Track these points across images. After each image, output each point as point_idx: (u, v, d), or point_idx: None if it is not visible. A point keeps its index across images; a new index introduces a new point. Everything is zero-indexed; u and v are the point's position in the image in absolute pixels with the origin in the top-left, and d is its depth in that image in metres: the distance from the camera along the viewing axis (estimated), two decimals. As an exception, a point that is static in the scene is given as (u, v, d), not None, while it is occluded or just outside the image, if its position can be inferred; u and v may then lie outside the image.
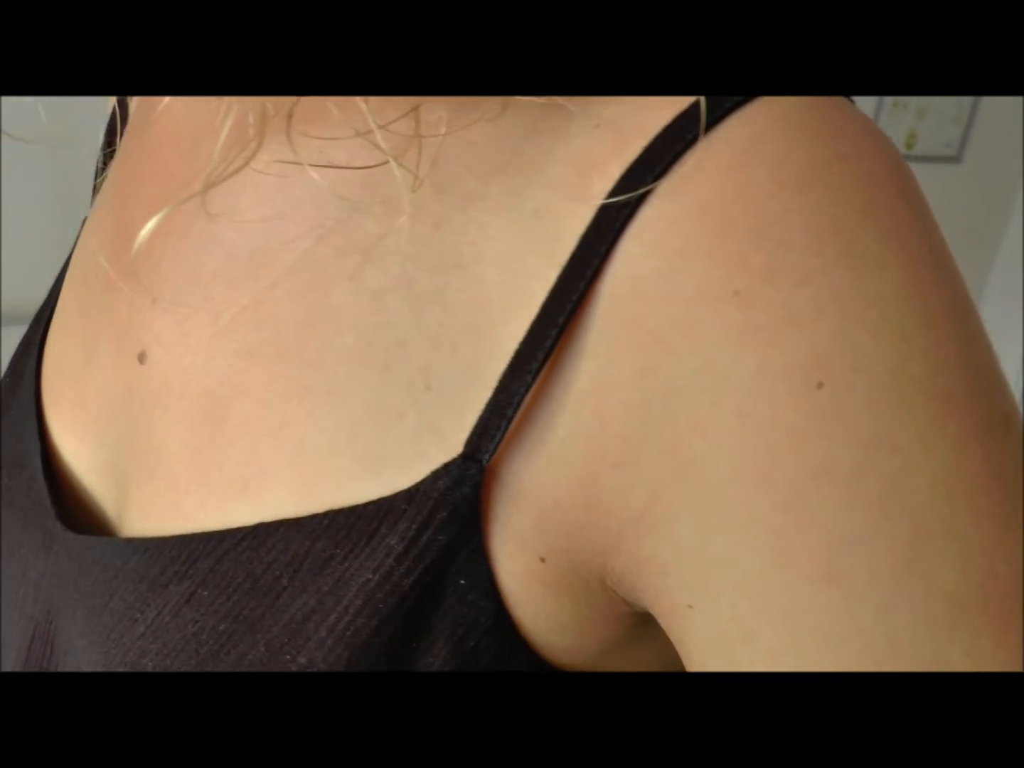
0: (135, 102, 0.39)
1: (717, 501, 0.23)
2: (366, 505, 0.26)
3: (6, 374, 0.40)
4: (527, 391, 0.24)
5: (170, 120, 0.33)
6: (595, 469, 0.24)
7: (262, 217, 0.29)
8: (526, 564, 0.25)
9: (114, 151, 0.41)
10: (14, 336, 0.42)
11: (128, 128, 0.38)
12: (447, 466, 0.25)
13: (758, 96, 0.23)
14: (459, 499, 0.25)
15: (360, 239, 0.27)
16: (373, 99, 0.25)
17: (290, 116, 0.25)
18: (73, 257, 0.40)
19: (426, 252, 0.26)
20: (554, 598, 0.26)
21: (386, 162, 0.25)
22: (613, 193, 0.23)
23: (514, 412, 0.24)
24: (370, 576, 0.25)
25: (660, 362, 0.23)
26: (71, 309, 0.37)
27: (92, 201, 0.43)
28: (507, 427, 0.24)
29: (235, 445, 0.28)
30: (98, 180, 0.43)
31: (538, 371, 0.24)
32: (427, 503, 0.25)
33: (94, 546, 0.31)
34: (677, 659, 0.30)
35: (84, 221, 0.43)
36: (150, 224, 0.27)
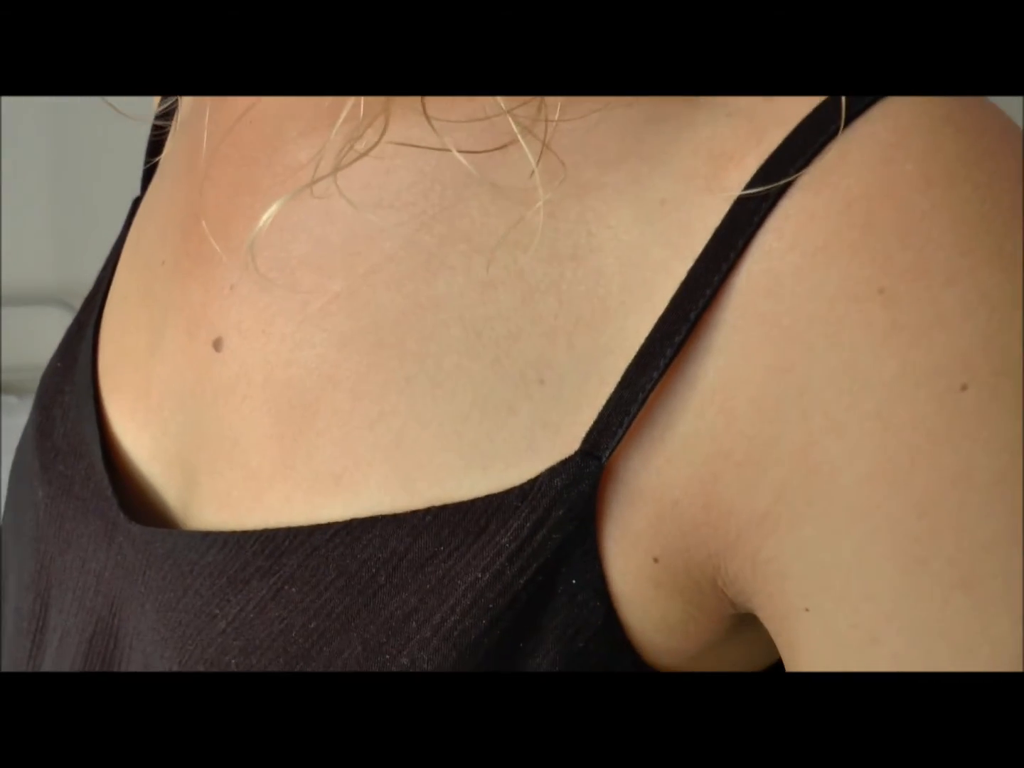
0: None
1: (847, 504, 0.22)
2: (473, 501, 0.25)
3: (56, 358, 0.39)
4: (653, 387, 0.23)
5: (249, 100, 0.32)
6: (718, 468, 0.24)
7: (359, 203, 0.28)
8: (639, 564, 0.25)
9: (162, 132, 0.40)
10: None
11: (189, 108, 0.37)
12: (565, 462, 0.24)
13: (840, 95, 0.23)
14: (576, 497, 0.24)
15: (466, 228, 0.26)
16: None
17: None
18: (129, 241, 0.38)
19: (538, 243, 0.25)
20: (665, 599, 0.25)
21: (505, 146, 0.24)
22: (751, 185, 0.23)
23: (638, 409, 0.24)
24: (479, 575, 0.24)
25: (796, 360, 0.22)
26: (131, 294, 0.36)
27: (143, 183, 0.42)
28: (629, 424, 0.24)
29: (325, 437, 0.27)
30: (149, 163, 0.42)
31: (666, 367, 0.23)
32: (542, 500, 0.24)
33: (164, 538, 0.30)
34: (761, 660, 0.30)
35: (135, 203, 0.42)
36: (273, 208, 0.26)
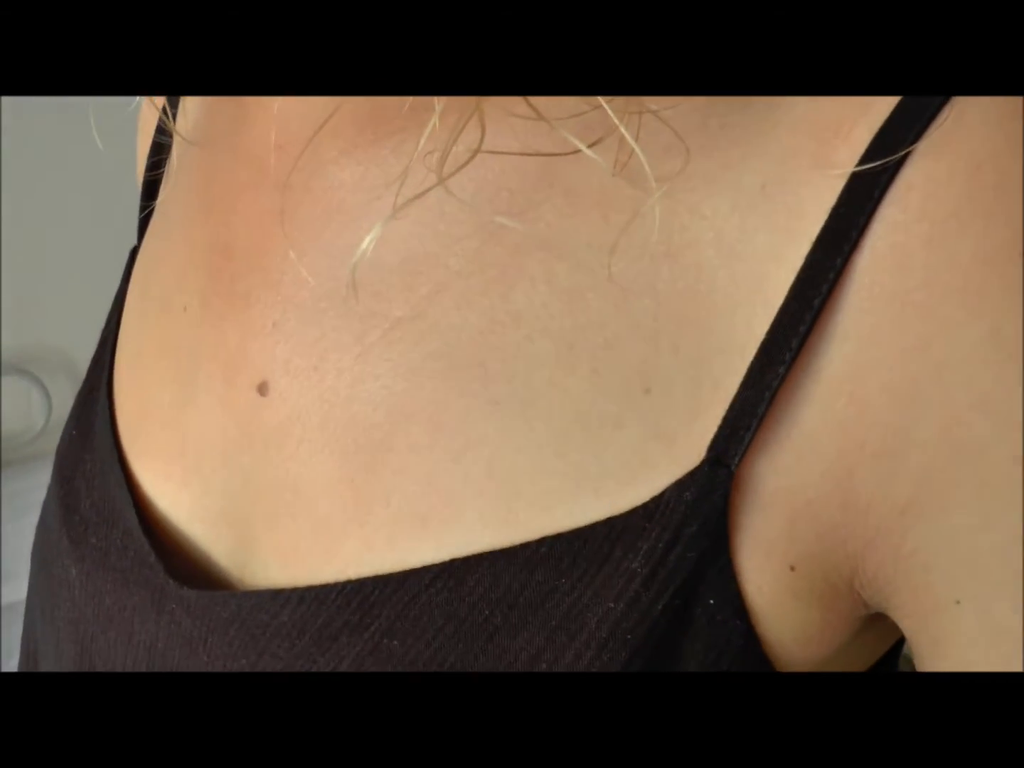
0: (191, 119, 0.35)
1: (999, 485, 0.21)
2: (592, 527, 0.23)
3: (69, 426, 0.36)
4: (780, 384, 0.22)
5: (268, 127, 0.29)
6: (852, 462, 0.22)
7: (414, 219, 0.26)
8: (775, 575, 0.23)
9: (157, 174, 0.38)
10: None
11: (185, 147, 0.35)
12: (693, 474, 0.22)
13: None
14: (708, 510, 0.22)
15: (542, 234, 0.24)
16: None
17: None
18: (134, 292, 0.36)
19: (626, 244, 0.24)
20: (803, 608, 0.23)
21: (596, 142, 0.22)
22: (865, 158, 0.21)
23: (766, 409, 0.22)
24: (611, 605, 0.23)
25: (932, 337, 0.21)
26: (146, 348, 0.33)
27: (139, 232, 0.40)
28: (758, 426, 0.22)
29: (404, 475, 0.25)
30: (145, 208, 0.39)
31: (792, 361, 0.22)
32: (672, 517, 0.22)
33: (225, 601, 0.28)
34: (866, 660, 0.28)
35: (133, 253, 0.39)
36: (374, 231, 0.24)
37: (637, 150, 0.21)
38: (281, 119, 0.29)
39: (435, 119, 0.21)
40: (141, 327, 0.34)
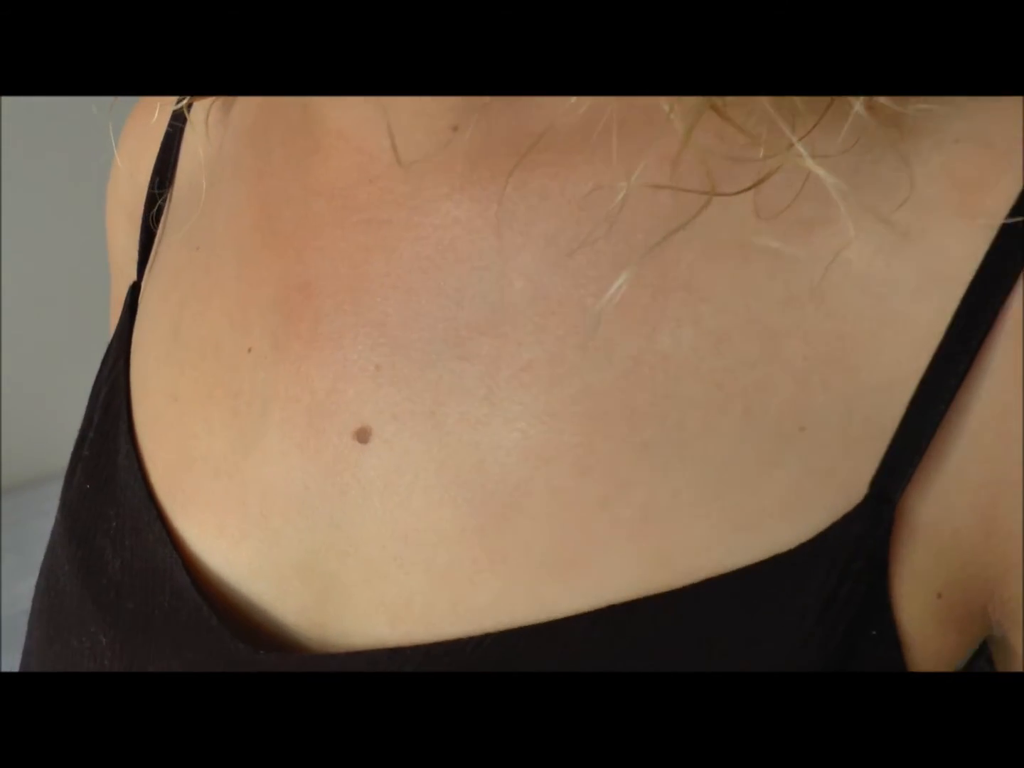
0: (230, 152, 0.33)
1: None
2: (756, 566, 0.23)
3: (80, 478, 0.33)
4: (941, 419, 0.23)
5: (349, 159, 0.28)
6: (995, 492, 0.23)
7: (541, 258, 0.25)
8: (924, 603, 0.24)
9: (161, 200, 0.35)
10: None
11: (218, 179, 0.32)
12: (858, 509, 0.23)
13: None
14: (874, 544, 0.23)
15: (682, 276, 0.24)
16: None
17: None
18: (154, 331, 0.33)
19: (770, 286, 0.24)
20: (942, 634, 0.24)
21: (758, 182, 0.23)
22: (1015, 210, 0.23)
23: (927, 443, 0.23)
24: (785, 643, 0.23)
25: None
26: (186, 393, 0.31)
27: (139, 267, 0.36)
28: (919, 460, 0.23)
29: (545, 521, 0.25)
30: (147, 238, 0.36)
31: (951, 399, 0.23)
32: (840, 553, 0.23)
33: (324, 664, 0.26)
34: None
35: (134, 289, 0.36)
36: (623, 276, 0.23)
37: (833, 190, 0.22)
38: (369, 151, 0.27)
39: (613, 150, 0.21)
40: (175, 370, 0.31)
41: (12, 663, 0.40)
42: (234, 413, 0.29)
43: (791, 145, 0.22)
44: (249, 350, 0.29)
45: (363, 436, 0.27)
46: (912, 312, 0.23)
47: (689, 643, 0.23)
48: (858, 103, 0.22)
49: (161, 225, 0.36)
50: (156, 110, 0.37)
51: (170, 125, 0.36)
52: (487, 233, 0.26)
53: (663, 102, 0.23)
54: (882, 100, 0.22)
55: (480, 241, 0.26)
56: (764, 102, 0.22)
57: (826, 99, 0.22)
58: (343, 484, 0.27)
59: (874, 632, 0.23)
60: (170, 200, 0.36)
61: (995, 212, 0.23)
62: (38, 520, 1.09)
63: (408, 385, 0.26)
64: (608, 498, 0.24)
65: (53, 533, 0.33)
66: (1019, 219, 0.22)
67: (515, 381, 0.25)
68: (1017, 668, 0.25)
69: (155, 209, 0.36)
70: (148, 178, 0.37)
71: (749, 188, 0.23)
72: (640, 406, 0.24)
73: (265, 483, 0.28)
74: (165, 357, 0.32)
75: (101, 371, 0.35)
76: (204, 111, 0.34)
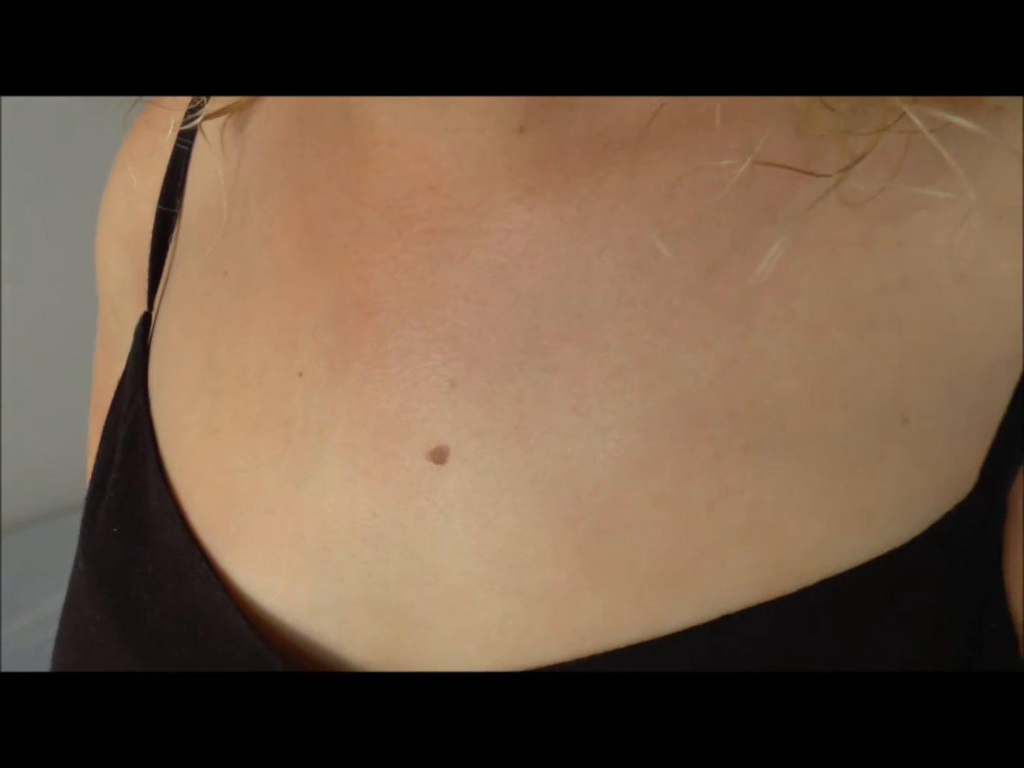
0: (250, 170, 0.31)
1: None
2: (871, 564, 0.22)
3: (105, 523, 0.30)
4: None
5: (405, 169, 0.26)
6: None
7: (623, 260, 0.24)
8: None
9: (170, 217, 0.34)
10: None
11: (244, 201, 0.31)
12: (971, 498, 0.23)
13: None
14: (990, 534, 0.22)
15: (773, 271, 0.24)
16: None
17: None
18: (179, 363, 0.31)
19: (860, 275, 0.24)
20: None
21: (856, 161, 0.22)
22: None
23: None
24: (909, 642, 0.22)
25: None
26: (224, 424, 0.29)
27: (149, 295, 0.34)
28: None
29: (648, 533, 0.23)
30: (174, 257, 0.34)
31: None
32: (959, 545, 0.22)
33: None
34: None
35: (145, 318, 0.34)
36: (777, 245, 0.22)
37: (952, 164, 0.22)
38: (428, 158, 0.26)
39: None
40: (212, 401, 0.29)
41: None
42: (285, 442, 0.27)
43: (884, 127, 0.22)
44: (300, 374, 0.27)
45: (439, 456, 0.25)
46: (1008, 295, 0.23)
47: (806, 649, 0.22)
48: None
49: (170, 252, 0.34)
50: (161, 130, 0.35)
51: (177, 146, 0.34)
52: (563, 237, 0.25)
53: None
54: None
55: (557, 245, 0.25)
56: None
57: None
58: (418, 509, 0.25)
59: (994, 625, 0.23)
60: (179, 225, 0.34)
61: None
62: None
63: (488, 400, 0.25)
64: (714, 504, 0.23)
65: (74, 583, 0.31)
66: None
67: (605, 389, 0.24)
68: None
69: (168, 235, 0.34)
70: (151, 205, 0.35)
71: (850, 167, 0.22)
72: (739, 407, 0.23)
73: (324, 514, 0.26)
74: (199, 389, 0.30)
75: (115, 408, 0.33)
76: (218, 129, 0.33)
